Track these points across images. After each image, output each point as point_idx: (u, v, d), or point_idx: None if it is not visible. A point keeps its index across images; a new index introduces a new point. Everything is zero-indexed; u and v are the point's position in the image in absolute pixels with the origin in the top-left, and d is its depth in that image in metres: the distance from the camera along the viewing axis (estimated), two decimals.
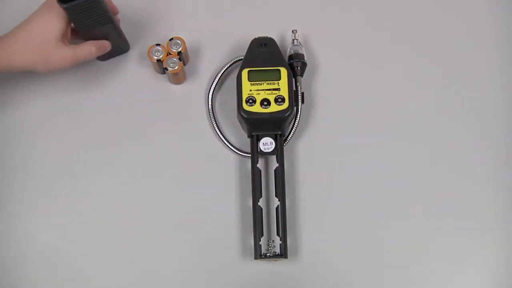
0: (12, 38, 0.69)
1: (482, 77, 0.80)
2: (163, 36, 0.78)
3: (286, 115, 0.73)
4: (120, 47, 0.80)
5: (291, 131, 0.76)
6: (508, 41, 0.82)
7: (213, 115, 0.78)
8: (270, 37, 0.76)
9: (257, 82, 0.74)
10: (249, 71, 0.74)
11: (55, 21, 0.70)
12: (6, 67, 0.69)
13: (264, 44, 0.76)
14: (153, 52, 0.76)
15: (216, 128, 0.77)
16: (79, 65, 0.75)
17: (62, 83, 0.79)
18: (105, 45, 0.75)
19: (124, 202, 0.75)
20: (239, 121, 0.77)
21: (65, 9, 0.68)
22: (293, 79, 0.76)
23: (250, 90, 0.74)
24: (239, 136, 0.78)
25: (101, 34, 0.74)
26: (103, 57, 0.80)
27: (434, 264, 0.73)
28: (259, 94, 0.73)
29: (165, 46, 0.76)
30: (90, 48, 0.73)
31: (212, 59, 0.80)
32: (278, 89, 0.74)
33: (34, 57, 0.70)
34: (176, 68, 0.76)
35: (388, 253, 0.74)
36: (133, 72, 0.80)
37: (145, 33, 0.82)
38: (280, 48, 0.76)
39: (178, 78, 0.78)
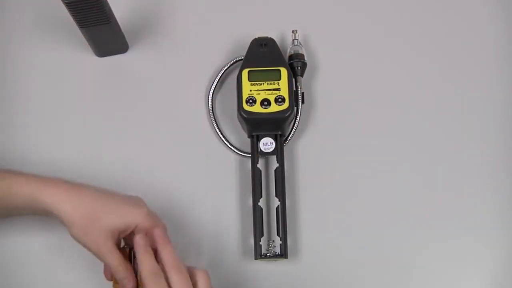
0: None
1: (482, 77, 0.80)
2: (162, 36, 0.78)
3: (286, 115, 0.73)
4: (118, 47, 0.80)
5: (291, 131, 0.76)
6: (508, 41, 0.82)
7: (213, 115, 0.78)
8: (270, 37, 0.76)
9: (257, 82, 0.74)
10: (249, 71, 0.74)
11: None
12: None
13: (264, 44, 0.76)
14: None
15: (216, 128, 0.77)
16: (77, 64, 0.75)
17: (61, 81, 0.80)
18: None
19: None
20: (239, 121, 0.77)
21: (67, 4, 0.68)
22: (293, 79, 0.76)
23: (250, 90, 0.74)
24: (239, 136, 0.78)
25: (100, 32, 0.74)
26: (101, 53, 0.80)
27: (434, 264, 0.73)
28: (259, 94, 0.73)
29: None
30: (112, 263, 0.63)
31: (212, 59, 0.80)
32: (278, 89, 0.74)
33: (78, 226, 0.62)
34: None
35: (388, 253, 0.74)
36: (132, 72, 0.80)
37: (145, 33, 0.82)
38: (280, 48, 0.76)
39: None
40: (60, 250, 0.72)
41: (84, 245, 0.63)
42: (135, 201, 0.66)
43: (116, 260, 0.62)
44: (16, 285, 0.72)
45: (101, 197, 0.65)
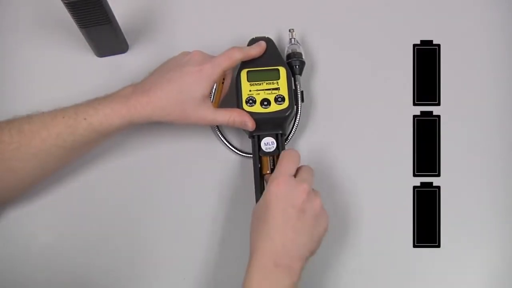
0: (154, 94, 0.68)
1: (483, 76, 0.80)
2: (162, 36, 0.78)
3: (287, 114, 0.73)
4: (118, 47, 0.80)
5: (292, 130, 0.76)
6: (508, 41, 0.81)
7: None
8: (267, 37, 0.76)
9: (256, 82, 0.74)
10: (248, 72, 0.74)
11: (202, 83, 0.69)
12: (144, 121, 0.69)
13: None
14: None
15: (217, 129, 0.77)
16: (77, 64, 0.75)
17: (61, 81, 0.80)
18: (247, 122, 0.72)
19: (124, 202, 0.75)
20: None
21: (67, 4, 0.68)
22: (292, 78, 0.75)
23: (250, 91, 0.73)
24: (240, 136, 0.78)
25: (100, 32, 0.74)
26: (101, 53, 0.80)
27: (433, 264, 0.73)
28: (258, 94, 0.73)
29: None
30: (230, 117, 0.71)
31: None
32: (277, 89, 0.73)
33: (174, 114, 0.69)
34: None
35: (389, 252, 0.73)
36: (132, 72, 0.80)
37: (145, 33, 0.82)
38: (278, 47, 0.76)
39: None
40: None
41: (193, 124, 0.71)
42: (184, 63, 0.70)
43: (225, 116, 0.71)
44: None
45: (163, 82, 0.69)
